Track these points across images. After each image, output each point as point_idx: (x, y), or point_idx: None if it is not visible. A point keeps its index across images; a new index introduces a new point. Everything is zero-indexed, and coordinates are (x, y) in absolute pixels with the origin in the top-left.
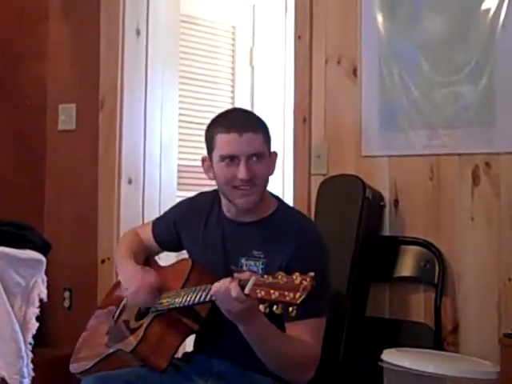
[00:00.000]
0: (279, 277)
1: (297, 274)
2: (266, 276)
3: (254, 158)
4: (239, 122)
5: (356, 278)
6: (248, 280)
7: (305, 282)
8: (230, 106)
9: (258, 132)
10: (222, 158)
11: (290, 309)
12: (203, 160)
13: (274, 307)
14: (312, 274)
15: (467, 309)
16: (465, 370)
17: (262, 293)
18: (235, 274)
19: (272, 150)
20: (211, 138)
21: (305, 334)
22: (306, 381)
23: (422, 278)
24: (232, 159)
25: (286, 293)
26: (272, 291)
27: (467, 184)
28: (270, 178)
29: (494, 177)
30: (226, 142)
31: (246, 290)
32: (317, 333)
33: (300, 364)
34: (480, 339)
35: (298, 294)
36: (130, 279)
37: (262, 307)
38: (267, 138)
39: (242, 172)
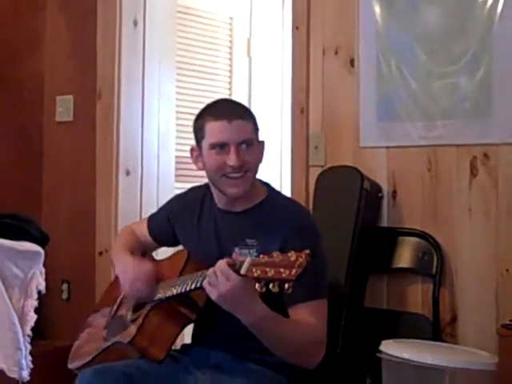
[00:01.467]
0: (275, 255)
1: (292, 251)
2: (261, 256)
3: (244, 145)
4: (228, 110)
5: (354, 269)
6: (243, 261)
7: (300, 259)
8: (227, 97)
9: (246, 119)
10: (212, 146)
11: (286, 285)
12: (192, 150)
13: (271, 285)
14: (307, 251)
15: (465, 300)
16: (463, 361)
17: (258, 272)
18: (233, 255)
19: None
20: (201, 127)
21: (309, 317)
22: (316, 363)
23: (420, 269)
24: (222, 147)
25: (282, 270)
26: (268, 269)
27: (465, 175)
28: (260, 166)
29: (492, 168)
30: (215, 129)
31: (242, 271)
32: (320, 314)
33: (308, 347)
34: (478, 330)
35: (293, 271)
36: (127, 269)
37: (258, 286)
38: (255, 127)
39: (232, 159)
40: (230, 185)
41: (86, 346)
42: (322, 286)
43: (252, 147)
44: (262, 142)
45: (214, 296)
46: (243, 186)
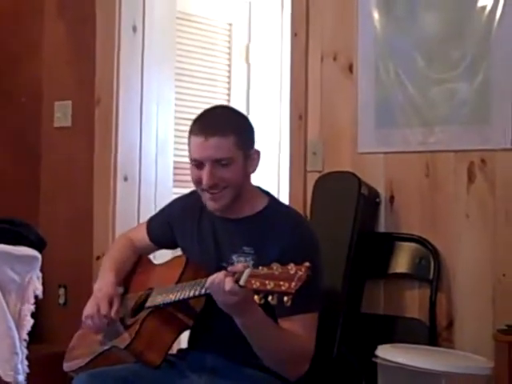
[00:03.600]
0: (274, 267)
1: (292, 264)
2: (260, 267)
3: (220, 164)
4: (208, 124)
5: (351, 274)
6: (243, 272)
7: (300, 272)
8: (226, 103)
9: (226, 136)
10: (191, 160)
11: (285, 298)
12: None
13: (270, 297)
14: (307, 264)
15: (462, 305)
16: (459, 365)
17: (257, 283)
18: (229, 267)
19: (255, 147)
20: (188, 138)
21: (299, 329)
22: (299, 375)
23: (417, 274)
24: (198, 163)
25: (282, 283)
26: (267, 281)
27: (463, 181)
28: (258, 172)
29: (490, 174)
30: (194, 145)
31: (241, 282)
32: (310, 328)
33: (294, 358)
34: (474, 335)
35: (293, 284)
36: (102, 291)
37: (257, 298)
38: (241, 141)
39: (204, 178)
40: (208, 199)
41: (81, 348)
42: (315, 299)
43: (230, 164)
44: (256, 152)
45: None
46: (220, 201)
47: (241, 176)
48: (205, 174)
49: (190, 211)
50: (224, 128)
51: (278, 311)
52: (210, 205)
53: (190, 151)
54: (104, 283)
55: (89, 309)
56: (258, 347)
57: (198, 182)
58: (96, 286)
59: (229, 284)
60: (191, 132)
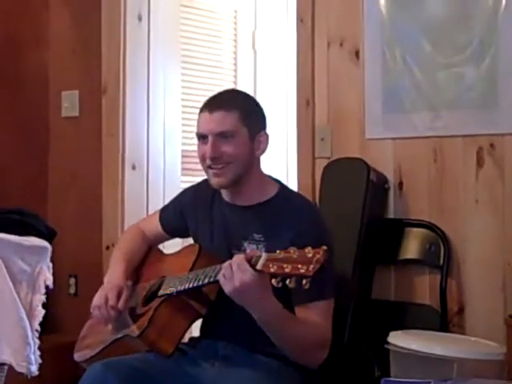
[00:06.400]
0: (291, 251)
1: (309, 248)
2: (278, 251)
3: (224, 137)
4: (214, 101)
5: (361, 260)
6: (260, 256)
7: (318, 255)
8: (233, 87)
9: (231, 111)
10: (197, 137)
11: (304, 281)
12: None
13: (288, 281)
14: (325, 247)
15: (472, 290)
16: (471, 351)
17: (275, 267)
18: (247, 252)
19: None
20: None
21: (316, 316)
22: (320, 363)
23: (427, 260)
24: (203, 138)
25: (300, 266)
26: (285, 265)
27: (471, 166)
28: (266, 158)
29: (499, 158)
30: (200, 120)
31: (259, 266)
32: (326, 315)
33: (314, 347)
34: (485, 320)
35: (311, 267)
36: (111, 283)
37: (274, 281)
38: (246, 118)
39: (207, 151)
40: (212, 175)
41: (92, 338)
42: (330, 286)
43: (234, 139)
44: (265, 134)
45: (227, 289)
46: (223, 176)
47: (245, 153)
48: (207, 146)
49: (201, 199)
50: (229, 104)
51: (294, 299)
52: (214, 181)
53: (196, 129)
54: (114, 275)
55: (97, 299)
56: (278, 340)
57: (203, 158)
58: (106, 278)
59: (239, 258)
60: (200, 109)
